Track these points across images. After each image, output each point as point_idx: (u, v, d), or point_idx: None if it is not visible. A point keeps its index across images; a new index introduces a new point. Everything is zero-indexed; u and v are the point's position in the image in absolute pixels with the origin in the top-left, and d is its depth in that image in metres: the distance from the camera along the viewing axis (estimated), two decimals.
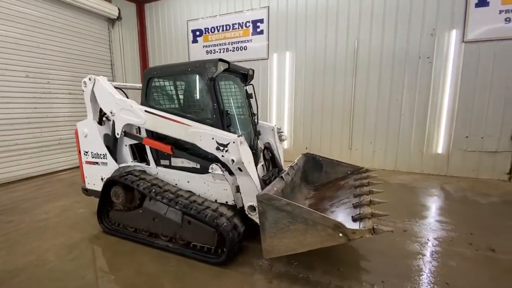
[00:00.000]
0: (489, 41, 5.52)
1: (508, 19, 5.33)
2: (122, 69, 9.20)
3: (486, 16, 5.47)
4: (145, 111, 3.26)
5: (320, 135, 7.23)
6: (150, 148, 3.49)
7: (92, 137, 3.74)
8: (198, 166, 3.26)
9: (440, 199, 4.80)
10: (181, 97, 3.65)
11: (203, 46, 8.19)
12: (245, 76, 3.83)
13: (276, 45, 7.32)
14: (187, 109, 3.42)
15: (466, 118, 5.89)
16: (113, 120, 3.54)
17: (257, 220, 2.76)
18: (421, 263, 2.88)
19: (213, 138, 2.89)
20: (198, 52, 8.28)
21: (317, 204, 3.38)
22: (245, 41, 7.67)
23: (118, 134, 3.54)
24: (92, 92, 3.62)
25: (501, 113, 5.63)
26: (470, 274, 2.70)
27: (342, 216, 2.70)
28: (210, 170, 3.02)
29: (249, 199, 2.94)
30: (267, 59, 7.48)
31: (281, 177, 3.26)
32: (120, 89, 3.92)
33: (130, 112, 3.37)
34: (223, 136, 2.85)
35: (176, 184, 3.40)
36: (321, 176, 4.20)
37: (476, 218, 3.98)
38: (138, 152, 3.75)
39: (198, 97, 3.40)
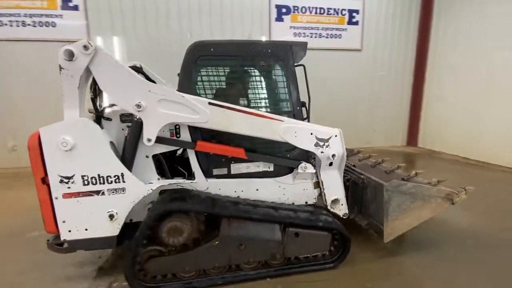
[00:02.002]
0: None
1: (295, 34, 7.33)
2: None
3: (282, 29, 7.25)
4: (209, 103, 2.40)
5: None
6: (198, 156, 2.64)
7: (86, 150, 2.26)
8: (272, 169, 2.81)
9: None
10: (246, 84, 2.94)
11: None
12: None
13: (100, 27, 6.29)
14: (252, 100, 2.88)
15: None
16: (137, 119, 2.40)
17: (340, 213, 2.87)
18: None
19: (312, 133, 2.63)
20: None
21: None
22: (51, 15, 6.05)
23: (150, 139, 2.38)
24: (87, 71, 2.19)
25: None
26: None
27: None
28: (300, 170, 2.72)
29: (332, 193, 2.83)
30: None
31: (354, 165, 3.38)
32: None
33: (179, 106, 2.36)
34: (324, 130, 2.68)
35: (238, 196, 2.75)
36: None
37: None
38: (168, 164, 2.66)
39: (274, 85, 2.92)
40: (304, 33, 7.32)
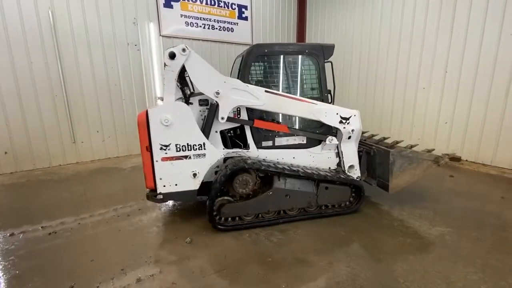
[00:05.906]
0: (178, 38, 7.00)
1: (187, 23, 7.01)
2: None
3: (173, 17, 6.80)
4: (265, 91, 3.23)
5: (25, 132, 5.53)
6: (252, 131, 3.44)
7: (180, 125, 3.05)
8: (305, 142, 3.62)
9: None
10: (289, 76, 3.66)
11: None
12: None
13: None
14: (292, 88, 3.67)
15: None
16: (214, 103, 3.18)
17: (354, 176, 3.60)
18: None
19: (337, 113, 3.43)
20: None
21: None
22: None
23: (223, 118, 3.18)
24: (182, 67, 3.00)
25: None
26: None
27: None
28: (327, 142, 3.52)
29: (350, 161, 3.61)
30: None
31: (365, 140, 4.27)
32: None
33: (245, 93, 3.18)
34: (346, 110, 3.46)
35: (278, 161, 3.52)
36: None
37: None
38: (229, 138, 3.49)
39: (309, 77, 3.68)
40: (196, 23, 7.12)
